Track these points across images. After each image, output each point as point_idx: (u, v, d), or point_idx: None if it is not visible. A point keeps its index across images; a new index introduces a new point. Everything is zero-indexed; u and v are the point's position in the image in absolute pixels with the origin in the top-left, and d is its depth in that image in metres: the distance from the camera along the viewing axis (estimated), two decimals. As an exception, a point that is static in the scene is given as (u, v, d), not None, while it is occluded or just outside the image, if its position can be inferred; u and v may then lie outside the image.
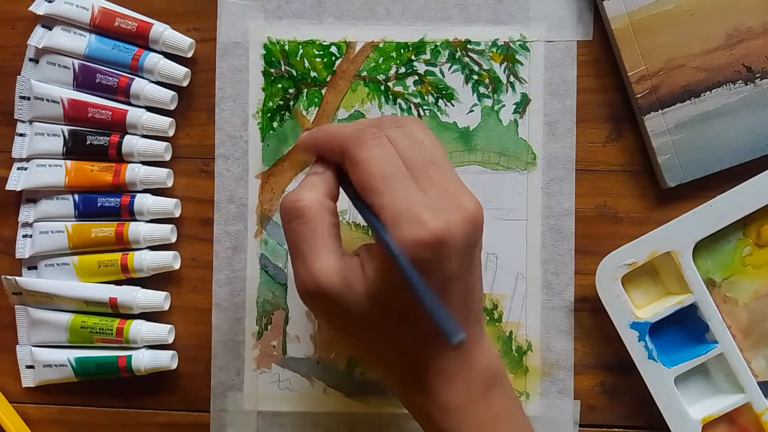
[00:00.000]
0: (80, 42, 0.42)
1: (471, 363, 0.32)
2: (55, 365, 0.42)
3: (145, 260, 0.42)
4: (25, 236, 0.43)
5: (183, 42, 0.42)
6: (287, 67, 0.43)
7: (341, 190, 0.33)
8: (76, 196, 0.43)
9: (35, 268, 0.43)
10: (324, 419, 0.43)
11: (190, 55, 0.43)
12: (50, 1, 0.42)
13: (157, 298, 0.43)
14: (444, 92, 0.43)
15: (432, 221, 0.28)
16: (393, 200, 0.29)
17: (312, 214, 0.31)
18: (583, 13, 0.43)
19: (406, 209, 0.28)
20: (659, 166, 0.41)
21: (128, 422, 0.44)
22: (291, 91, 0.43)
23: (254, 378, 0.43)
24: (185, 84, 0.43)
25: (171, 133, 0.43)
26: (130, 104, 0.43)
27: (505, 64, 0.43)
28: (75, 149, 0.42)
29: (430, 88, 0.43)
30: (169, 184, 0.43)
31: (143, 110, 0.43)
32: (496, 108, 0.43)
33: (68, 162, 0.43)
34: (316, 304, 0.32)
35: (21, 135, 0.43)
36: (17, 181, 0.43)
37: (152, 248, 0.43)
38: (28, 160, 0.43)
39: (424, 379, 0.32)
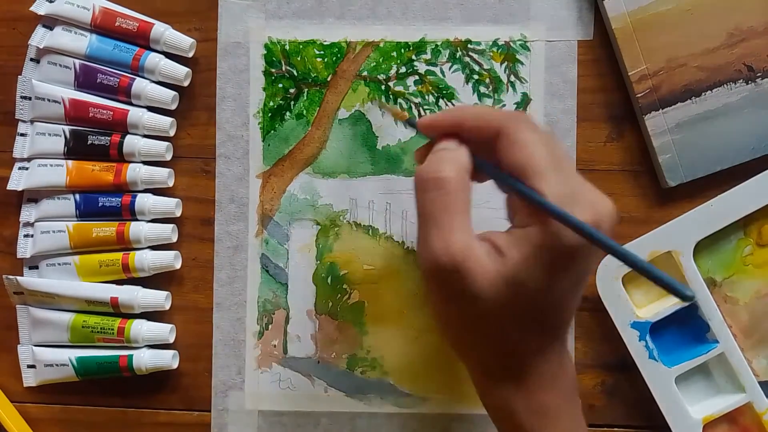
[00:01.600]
0: (81, 42, 0.42)
1: (566, 367, 0.32)
2: (57, 365, 0.43)
3: (146, 260, 0.42)
4: (26, 236, 0.43)
5: (184, 42, 0.42)
6: (288, 67, 0.43)
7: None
8: (78, 196, 0.43)
9: (36, 267, 0.43)
10: (325, 419, 0.43)
11: (191, 55, 0.43)
12: (51, 1, 0.42)
13: (158, 298, 0.43)
14: (444, 92, 0.43)
15: (589, 211, 0.29)
16: (553, 183, 0.29)
17: (454, 186, 0.30)
18: (584, 12, 0.43)
19: (568, 193, 0.29)
20: (660, 165, 0.41)
21: (129, 421, 0.44)
22: (292, 90, 0.43)
23: (255, 377, 0.43)
24: (186, 84, 0.43)
25: (172, 133, 0.43)
26: (131, 104, 0.43)
27: (506, 63, 0.43)
28: (76, 149, 0.43)
29: (430, 87, 0.43)
30: (170, 183, 0.43)
31: (144, 110, 0.43)
32: (496, 108, 0.43)
33: (69, 162, 0.43)
34: (443, 278, 0.30)
35: (22, 135, 0.43)
36: (18, 180, 0.43)
37: (153, 248, 0.43)
38: (29, 159, 0.43)
39: (524, 376, 0.31)
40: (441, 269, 0.30)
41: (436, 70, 0.43)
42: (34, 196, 0.43)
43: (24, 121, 0.43)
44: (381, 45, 0.43)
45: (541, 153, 0.30)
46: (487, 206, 0.42)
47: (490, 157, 0.32)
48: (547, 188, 0.29)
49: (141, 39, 0.42)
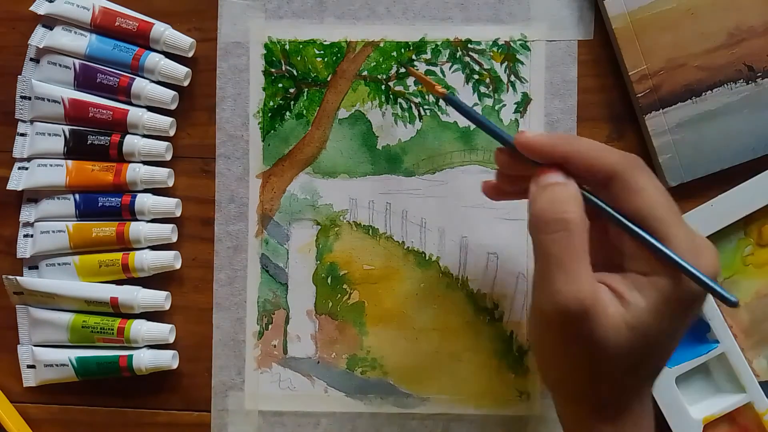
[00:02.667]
0: (81, 42, 0.42)
1: (651, 405, 0.33)
2: (56, 365, 0.42)
3: (146, 260, 0.42)
4: (26, 236, 0.43)
5: (184, 42, 0.42)
6: (288, 67, 0.43)
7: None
8: (77, 196, 0.43)
9: (36, 267, 0.43)
10: (325, 419, 0.43)
11: (190, 54, 0.43)
12: (51, 1, 0.42)
13: (158, 298, 0.43)
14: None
15: (711, 257, 0.30)
16: (679, 231, 0.29)
17: (580, 227, 0.29)
18: (584, 12, 0.42)
19: (693, 240, 0.29)
20: (660, 165, 0.41)
21: (129, 422, 0.44)
22: (292, 90, 0.43)
23: (255, 377, 0.43)
24: (186, 84, 0.43)
25: (172, 133, 0.43)
26: (131, 104, 0.43)
27: (506, 63, 0.43)
28: (76, 149, 0.43)
29: (429, 91, 0.43)
30: (170, 183, 0.43)
31: (144, 110, 0.43)
32: (496, 107, 0.43)
33: (69, 162, 0.43)
34: (568, 322, 0.29)
35: (22, 135, 0.43)
36: (18, 180, 0.43)
37: (153, 248, 0.43)
38: (29, 159, 0.43)
39: (624, 416, 0.31)
40: (568, 314, 0.29)
41: (436, 69, 0.43)
42: (33, 196, 0.43)
43: (24, 121, 0.43)
44: (381, 45, 0.43)
45: (664, 202, 0.30)
46: (486, 206, 0.42)
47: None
48: (675, 240, 0.29)
49: (141, 39, 0.42)
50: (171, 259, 0.43)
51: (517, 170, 0.34)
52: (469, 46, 0.43)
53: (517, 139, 0.32)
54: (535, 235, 0.31)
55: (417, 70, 0.42)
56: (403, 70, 0.43)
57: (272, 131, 0.43)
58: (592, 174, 0.31)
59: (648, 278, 0.29)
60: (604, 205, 0.31)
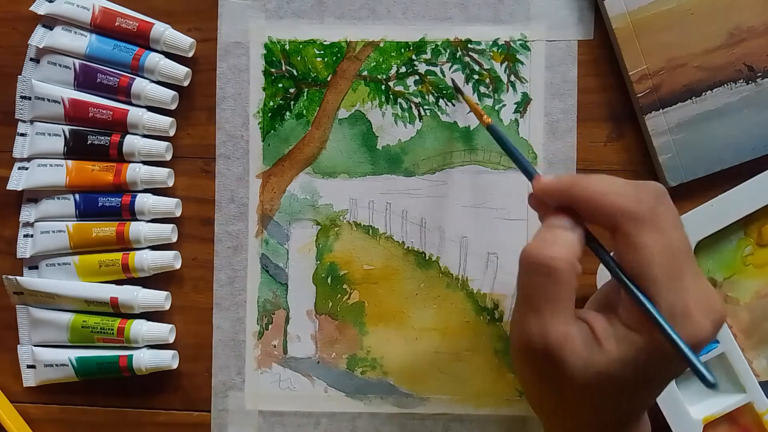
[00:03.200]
0: (81, 42, 0.42)
1: (645, 427, 0.33)
2: (56, 365, 0.42)
3: (146, 260, 0.42)
4: (26, 236, 0.43)
5: (184, 42, 0.42)
6: (288, 67, 0.43)
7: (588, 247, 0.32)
8: (77, 196, 0.43)
9: (36, 267, 0.43)
10: (325, 419, 0.43)
11: (190, 54, 0.43)
12: (51, 1, 0.42)
13: (158, 298, 0.43)
14: (445, 92, 0.43)
15: (705, 324, 0.29)
16: (664, 294, 0.29)
17: (564, 276, 0.29)
18: (584, 12, 0.42)
19: (678, 305, 0.29)
20: (660, 165, 0.41)
21: (129, 422, 0.44)
22: (292, 90, 0.43)
23: (255, 377, 0.43)
24: (186, 84, 0.43)
25: (172, 133, 0.43)
26: (131, 104, 0.43)
27: (506, 63, 0.43)
28: (76, 149, 0.43)
29: (430, 87, 0.43)
30: (170, 183, 0.43)
31: (144, 110, 0.43)
32: (496, 108, 0.43)
33: (69, 162, 0.43)
34: (535, 362, 0.31)
35: (22, 135, 0.43)
36: (18, 180, 0.43)
37: (153, 248, 0.43)
38: (29, 159, 0.43)
39: None
40: (533, 351, 0.30)
41: (437, 69, 0.43)
42: (33, 196, 0.43)
43: (24, 121, 0.43)
44: (381, 45, 0.43)
45: (661, 262, 0.29)
46: (487, 206, 0.42)
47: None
48: (661, 301, 0.29)
49: (141, 39, 0.42)
50: (171, 259, 0.43)
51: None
52: (469, 46, 0.43)
53: (534, 186, 0.33)
54: (520, 269, 0.31)
55: (468, 96, 0.42)
56: (403, 69, 0.43)
57: (272, 131, 0.43)
58: (598, 221, 0.31)
59: (628, 331, 0.30)
60: (605, 256, 0.31)
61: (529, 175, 0.34)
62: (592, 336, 0.30)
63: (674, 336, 0.28)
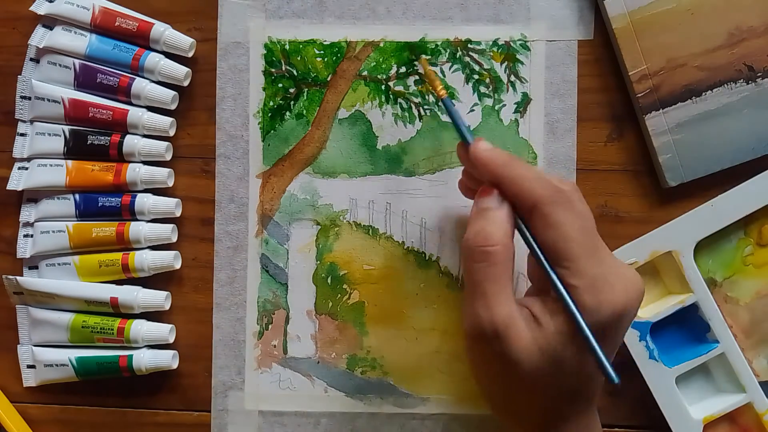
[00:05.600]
0: (81, 42, 0.42)
1: (594, 430, 0.35)
2: (56, 365, 0.42)
3: (146, 260, 0.42)
4: (26, 236, 0.43)
5: (184, 42, 0.42)
6: (288, 67, 0.43)
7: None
8: (77, 196, 0.43)
9: (36, 267, 0.43)
10: (325, 419, 0.43)
11: (190, 54, 0.43)
12: (51, 1, 0.42)
13: (158, 298, 0.43)
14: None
15: (622, 292, 0.31)
16: (586, 267, 0.31)
17: (501, 258, 0.32)
18: (584, 12, 0.42)
19: (600, 276, 0.31)
20: (660, 165, 0.41)
21: (129, 422, 0.44)
22: (292, 90, 0.43)
23: (255, 377, 0.43)
24: (186, 84, 0.43)
25: (172, 133, 0.43)
26: (130, 104, 0.43)
27: (506, 63, 0.43)
28: (76, 149, 0.43)
29: (430, 87, 0.43)
30: (170, 183, 0.43)
31: (144, 110, 0.43)
32: (496, 107, 0.43)
33: (69, 162, 0.43)
34: (485, 345, 0.32)
35: (22, 135, 0.43)
36: (18, 180, 0.43)
37: (153, 248, 0.43)
38: (29, 159, 0.43)
39: None
40: (484, 335, 0.32)
41: (436, 69, 0.43)
42: (33, 196, 0.43)
43: (24, 121, 0.43)
44: (381, 45, 0.43)
45: (577, 237, 0.31)
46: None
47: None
48: (578, 275, 0.31)
49: (141, 39, 0.42)
50: (171, 259, 0.43)
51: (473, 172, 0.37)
52: (469, 46, 0.43)
53: (471, 148, 0.35)
54: (463, 259, 0.33)
55: (429, 67, 0.42)
56: (403, 69, 0.43)
57: (272, 131, 0.43)
58: (519, 202, 0.33)
59: (558, 304, 0.32)
60: (527, 235, 0.33)
61: (465, 140, 0.36)
62: (531, 317, 0.32)
63: (581, 321, 0.31)
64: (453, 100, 0.43)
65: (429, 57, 0.43)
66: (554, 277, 0.32)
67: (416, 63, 0.43)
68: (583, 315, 0.31)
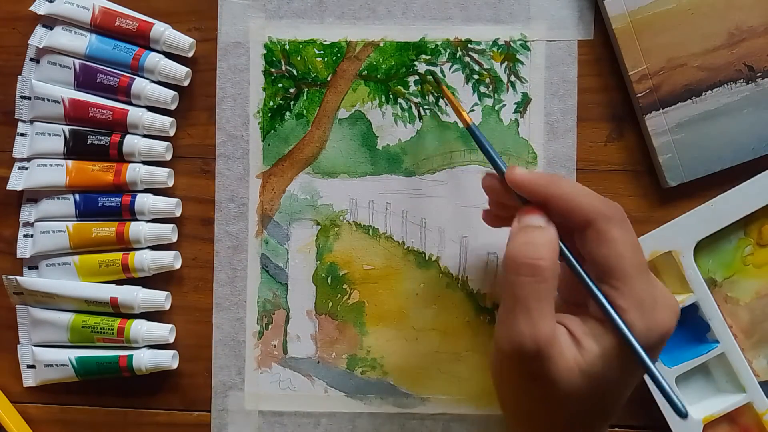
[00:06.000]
0: (81, 42, 0.42)
1: None
2: (56, 365, 0.42)
3: (146, 260, 0.42)
4: (26, 236, 0.43)
5: (184, 42, 0.42)
6: (288, 67, 0.43)
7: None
8: (77, 196, 0.43)
9: (36, 267, 0.43)
10: (325, 419, 0.43)
11: (190, 54, 0.43)
12: (51, 1, 0.42)
13: (158, 298, 0.43)
14: (445, 92, 0.43)
15: (668, 314, 0.31)
16: (636, 287, 0.31)
17: (549, 275, 0.31)
18: (584, 12, 0.42)
19: (648, 298, 0.31)
20: (660, 165, 0.41)
21: (129, 422, 0.44)
22: (292, 90, 0.43)
23: (255, 378, 0.43)
24: (186, 84, 0.43)
25: (172, 133, 0.43)
26: (130, 104, 0.43)
27: (506, 63, 0.43)
28: (76, 149, 0.43)
29: (430, 87, 0.43)
30: (170, 183, 0.43)
31: (144, 110, 0.43)
32: (496, 107, 0.43)
33: (69, 162, 0.43)
34: (522, 362, 0.31)
35: (22, 135, 0.43)
36: (18, 180, 0.43)
37: (153, 248, 0.43)
38: (29, 159, 0.43)
39: None
40: (524, 351, 0.30)
41: (436, 70, 0.43)
42: (33, 196, 0.43)
43: (24, 121, 0.43)
44: (381, 45, 0.43)
45: (629, 256, 0.31)
46: (486, 206, 0.42)
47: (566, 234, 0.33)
48: (628, 294, 0.31)
49: (141, 39, 0.42)
50: (171, 259, 0.43)
51: (505, 199, 0.36)
52: (469, 46, 0.43)
53: (508, 175, 0.34)
54: (506, 272, 0.32)
55: (448, 90, 0.42)
56: (403, 69, 0.43)
57: (272, 131, 0.43)
58: (571, 218, 0.32)
59: (603, 326, 0.31)
60: (569, 256, 0.33)
61: (498, 168, 0.35)
62: (570, 337, 0.31)
63: (631, 338, 0.30)
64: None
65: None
66: (604, 301, 0.31)
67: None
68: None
